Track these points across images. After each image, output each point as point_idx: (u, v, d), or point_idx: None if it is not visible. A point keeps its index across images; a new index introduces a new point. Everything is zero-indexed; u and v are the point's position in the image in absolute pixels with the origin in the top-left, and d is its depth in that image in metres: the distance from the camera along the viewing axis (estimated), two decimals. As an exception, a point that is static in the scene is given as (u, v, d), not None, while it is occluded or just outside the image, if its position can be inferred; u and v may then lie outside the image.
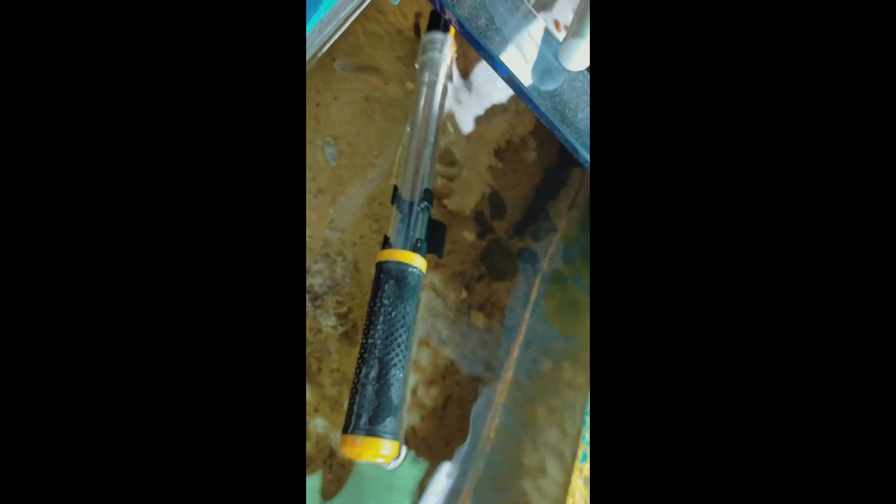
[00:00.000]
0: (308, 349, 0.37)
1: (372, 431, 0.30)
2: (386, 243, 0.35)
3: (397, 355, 0.32)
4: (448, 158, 0.47)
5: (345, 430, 0.31)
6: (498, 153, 0.49)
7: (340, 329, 0.38)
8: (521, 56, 0.34)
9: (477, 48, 0.33)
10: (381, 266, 0.34)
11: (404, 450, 0.37)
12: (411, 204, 0.36)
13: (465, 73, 0.46)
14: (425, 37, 0.42)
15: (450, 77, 0.43)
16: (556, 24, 0.45)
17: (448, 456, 0.40)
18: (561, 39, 0.34)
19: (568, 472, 0.43)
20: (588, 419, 0.44)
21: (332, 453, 0.35)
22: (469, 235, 0.45)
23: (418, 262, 0.34)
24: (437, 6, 0.33)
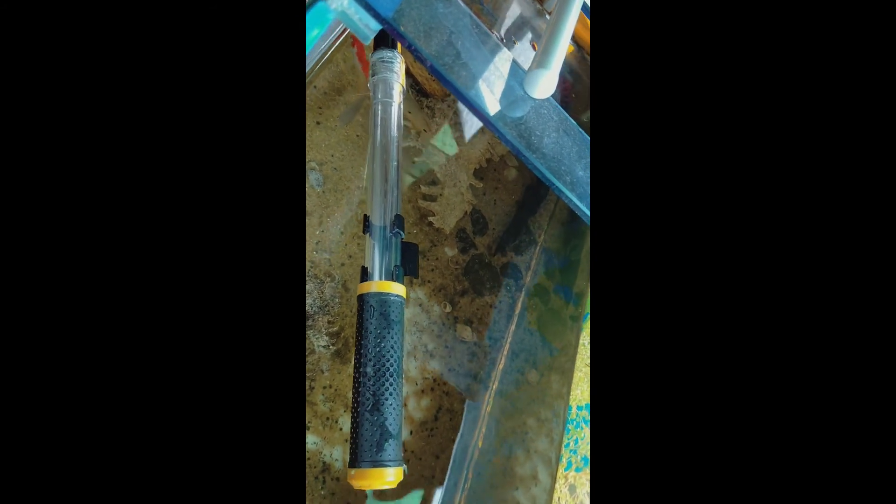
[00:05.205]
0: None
1: (376, 462, 0.31)
2: (364, 275, 0.35)
3: (391, 385, 0.32)
4: (430, 177, 0.48)
5: (351, 465, 0.32)
6: (478, 172, 0.51)
7: (332, 348, 0.40)
8: (488, 88, 0.36)
9: (444, 83, 0.35)
10: (363, 299, 0.34)
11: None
12: (384, 230, 0.36)
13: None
14: (374, 56, 0.39)
15: (403, 94, 0.41)
16: (533, 45, 0.46)
17: (440, 467, 0.42)
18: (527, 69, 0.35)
19: (553, 479, 0.45)
20: (569, 427, 0.46)
21: (326, 468, 0.38)
22: (451, 251, 0.47)
23: (398, 289, 0.34)
24: (408, 48, 0.34)
